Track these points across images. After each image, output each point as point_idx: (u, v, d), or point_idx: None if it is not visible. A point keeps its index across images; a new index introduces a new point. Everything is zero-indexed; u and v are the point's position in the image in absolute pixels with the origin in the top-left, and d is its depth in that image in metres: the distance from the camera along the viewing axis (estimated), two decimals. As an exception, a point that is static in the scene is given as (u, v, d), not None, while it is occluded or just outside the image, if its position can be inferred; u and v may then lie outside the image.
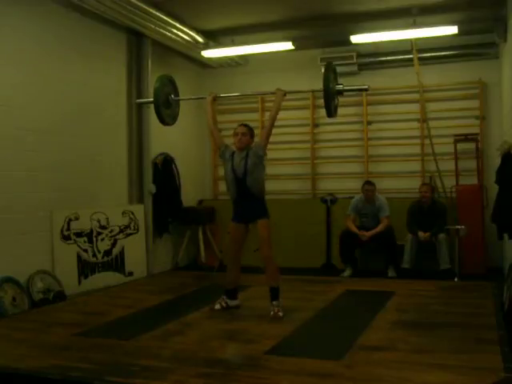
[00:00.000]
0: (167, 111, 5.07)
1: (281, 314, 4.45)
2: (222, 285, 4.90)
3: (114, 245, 6.45)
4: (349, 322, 4.47)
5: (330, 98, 4.48)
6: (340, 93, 4.66)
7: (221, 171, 8.30)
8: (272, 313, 4.46)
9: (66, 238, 5.80)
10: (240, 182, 4.55)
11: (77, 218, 5.94)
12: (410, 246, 6.72)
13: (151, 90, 6.98)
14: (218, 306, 4.72)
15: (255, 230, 4.61)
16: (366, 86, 4.87)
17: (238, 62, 8.27)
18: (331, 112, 4.56)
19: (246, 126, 4.71)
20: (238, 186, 4.57)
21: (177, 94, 5.16)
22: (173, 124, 5.25)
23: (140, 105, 6.81)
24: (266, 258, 4.57)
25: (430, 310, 4.79)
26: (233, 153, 4.64)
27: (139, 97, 6.88)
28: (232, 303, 4.74)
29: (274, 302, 4.53)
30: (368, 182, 7.01)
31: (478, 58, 7.36)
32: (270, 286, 4.59)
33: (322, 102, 7.97)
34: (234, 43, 7.41)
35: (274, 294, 4.57)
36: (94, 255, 6.17)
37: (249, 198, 4.55)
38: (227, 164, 4.64)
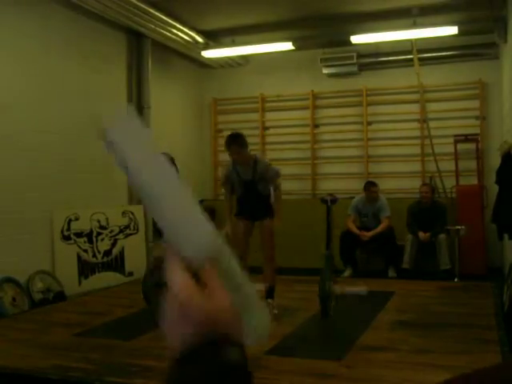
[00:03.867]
0: None
1: (276, 311, 4.49)
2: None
3: (113, 245, 6.45)
4: (349, 322, 4.47)
5: (326, 301, 4.32)
6: (337, 296, 4.50)
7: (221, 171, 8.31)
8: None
9: (66, 238, 5.81)
10: (248, 184, 4.53)
11: (77, 219, 5.94)
12: (410, 247, 6.71)
13: (151, 91, 7.03)
14: None
15: (257, 228, 4.60)
16: (364, 292, 4.80)
17: (238, 63, 8.28)
18: (326, 314, 4.32)
19: (233, 143, 4.38)
20: (246, 187, 4.55)
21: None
22: None
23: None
24: (268, 257, 4.60)
25: (429, 310, 4.78)
26: (234, 167, 4.61)
27: (140, 97, 6.88)
28: None
29: (270, 300, 4.56)
30: (372, 183, 6.96)
31: (478, 59, 7.37)
32: (267, 285, 4.61)
33: (322, 102, 8.12)
34: (234, 43, 7.41)
35: (271, 292, 4.60)
36: (94, 255, 6.17)
37: (256, 197, 4.56)
38: (232, 174, 4.60)
